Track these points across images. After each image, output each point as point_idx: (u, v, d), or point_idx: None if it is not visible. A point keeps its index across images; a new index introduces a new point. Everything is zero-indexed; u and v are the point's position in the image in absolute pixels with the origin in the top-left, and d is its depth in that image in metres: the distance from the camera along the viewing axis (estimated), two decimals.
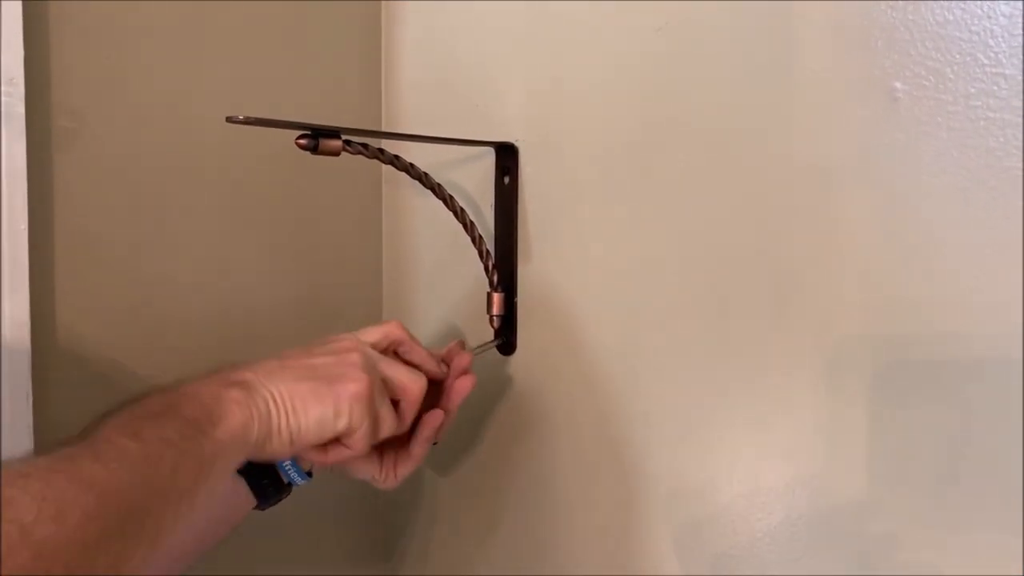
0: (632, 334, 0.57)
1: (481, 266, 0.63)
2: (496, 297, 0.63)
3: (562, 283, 0.61)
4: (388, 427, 0.50)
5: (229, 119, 0.47)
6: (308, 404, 0.46)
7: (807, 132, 0.48)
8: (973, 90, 0.41)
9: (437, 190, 0.60)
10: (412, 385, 0.52)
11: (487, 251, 0.63)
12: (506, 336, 0.64)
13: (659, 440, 0.56)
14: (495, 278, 0.63)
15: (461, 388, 0.57)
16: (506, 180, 0.64)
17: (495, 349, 0.65)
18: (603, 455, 0.60)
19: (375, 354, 0.51)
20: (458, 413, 0.69)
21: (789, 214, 0.49)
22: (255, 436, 0.43)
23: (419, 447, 0.55)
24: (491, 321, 0.64)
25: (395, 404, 0.51)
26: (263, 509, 0.55)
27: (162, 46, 0.61)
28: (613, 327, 0.58)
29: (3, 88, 0.51)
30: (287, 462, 0.54)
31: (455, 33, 0.68)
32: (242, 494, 0.54)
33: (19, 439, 0.51)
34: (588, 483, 0.61)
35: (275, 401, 0.45)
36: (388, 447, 0.56)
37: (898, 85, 0.44)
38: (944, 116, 0.42)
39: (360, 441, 0.48)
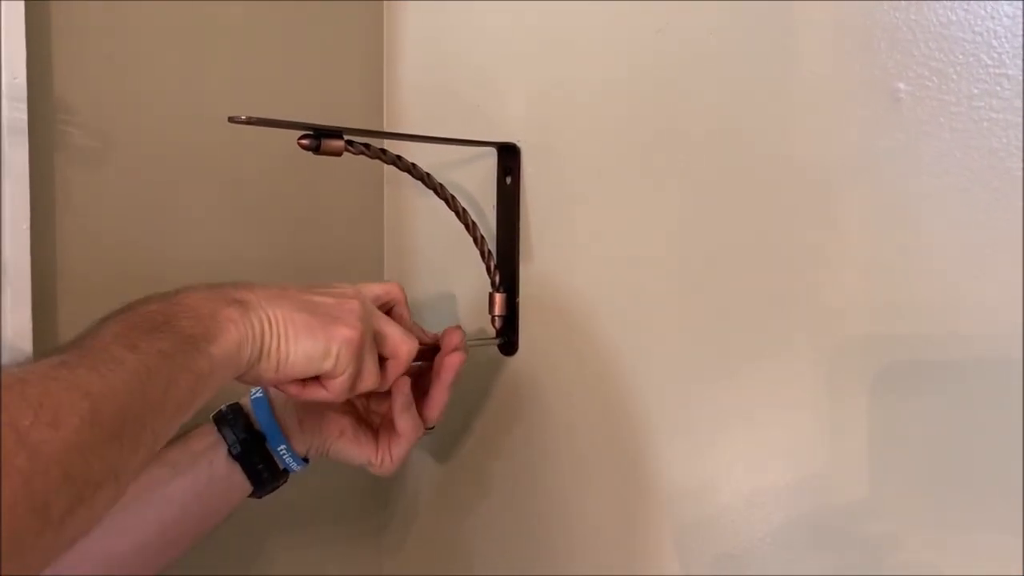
0: (633, 334, 0.57)
1: (483, 266, 0.63)
2: (498, 297, 0.63)
3: (564, 283, 0.61)
4: (371, 381, 0.50)
5: (231, 119, 0.47)
6: (300, 335, 0.46)
7: (808, 133, 0.47)
8: (976, 91, 0.41)
9: (439, 190, 0.60)
10: (403, 345, 0.52)
11: (489, 251, 0.63)
12: (508, 336, 0.64)
13: (660, 440, 0.56)
14: (497, 278, 0.63)
15: (451, 363, 0.56)
16: (508, 180, 0.64)
17: (496, 348, 0.65)
18: (605, 455, 0.59)
19: (373, 308, 0.51)
20: (459, 414, 0.69)
21: (791, 215, 0.49)
22: (247, 356, 0.44)
23: (401, 420, 0.55)
24: (493, 321, 0.64)
25: (382, 363, 0.51)
26: (259, 496, 0.56)
27: (164, 46, 0.61)
28: (615, 327, 0.58)
29: (5, 87, 0.51)
30: (282, 446, 0.55)
31: (457, 33, 0.68)
32: (238, 481, 0.55)
33: None
34: (590, 483, 0.61)
35: (270, 324, 0.45)
36: (383, 431, 0.57)
37: (901, 86, 0.43)
38: (947, 117, 0.42)
39: (339, 386, 0.48)
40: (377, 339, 0.50)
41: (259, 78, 0.66)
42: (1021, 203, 0.40)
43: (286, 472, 0.56)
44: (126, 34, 0.59)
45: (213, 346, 0.41)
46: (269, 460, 0.55)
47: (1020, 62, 0.40)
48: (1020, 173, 0.40)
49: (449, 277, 0.70)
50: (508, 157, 0.63)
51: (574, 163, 0.60)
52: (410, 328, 0.55)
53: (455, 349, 0.57)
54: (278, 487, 0.57)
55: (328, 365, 0.47)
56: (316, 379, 0.48)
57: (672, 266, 0.55)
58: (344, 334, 0.47)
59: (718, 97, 0.52)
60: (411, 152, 0.63)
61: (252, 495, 0.56)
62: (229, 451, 0.54)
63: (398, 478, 0.76)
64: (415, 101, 0.73)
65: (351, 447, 0.57)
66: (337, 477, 0.73)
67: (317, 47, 0.70)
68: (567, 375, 0.62)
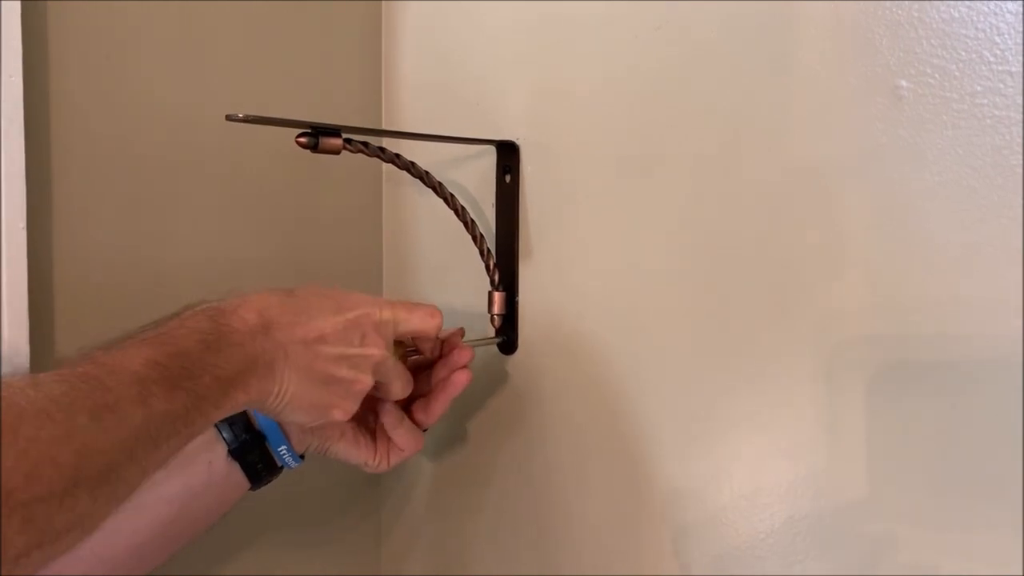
0: (633, 333, 0.57)
1: (482, 265, 0.63)
2: (497, 296, 0.63)
3: (563, 282, 0.61)
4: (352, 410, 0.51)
5: (229, 117, 0.47)
6: (300, 412, 0.47)
7: (809, 131, 0.47)
8: (979, 88, 0.41)
9: (438, 189, 0.60)
10: (399, 393, 0.54)
11: (488, 250, 0.62)
12: (507, 335, 0.64)
13: (660, 440, 0.56)
14: (496, 277, 0.63)
15: (458, 382, 0.57)
16: (507, 179, 0.63)
17: (496, 347, 0.65)
18: (604, 455, 0.59)
19: (392, 366, 0.52)
20: (458, 413, 0.69)
21: (791, 213, 0.48)
22: (246, 405, 0.44)
23: (396, 434, 0.57)
24: (492, 320, 0.64)
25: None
26: (255, 490, 0.56)
27: (161, 45, 0.60)
28: (614, 326, 0.58)
29: (2, 85, 0.50)
30: (283, 447, 0.55)
31: (456, 31, 0.68)
32: (236, 479, 0.55)
33: None
34: (589, 482, 0.60)
35: (279, 395, 0.46)
36: (380, 433, 0.58)
37: (903, 83, 0.43)
38: (949, 114, 0.42)
39: (344, 419, 0.50)
40: (378, 381, 0.52)
41: (257, 76, 0.65)
42: (1023, 201, 0.40)
43: (282, 468, 0.56)
44: (123, 33, 0.58)
45: (219, 410, 0.41)
46: (268, 459, 0.55)
47: (1023, 59, 0.40)
48: (1022, 170, 0.40)
49: (448, 276, 0.70)
50: (507, 155, 0.63)
51: (574, 161, 0.60)
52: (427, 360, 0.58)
53: (463, 367, 0.57)
54: (272, 480, 0.57)
55: (336, 416, 0.49)
56: None
57: (672, 264, 0.54)
58: (334, 419, 0.49)
59: (718, 95, 0.51)
60: (410, 150, 0.62)
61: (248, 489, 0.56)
62: (229, 451, 0.54)
63: (397, 478, 0.76)
64: (414, 99, 0.72)
65: (350, 449, 0.57)
66: (336, 477, 0.73)
67: (315, 45, 0.69)
68: (566, 374, 0.61)
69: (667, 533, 0.56)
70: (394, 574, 0.76)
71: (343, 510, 0.75)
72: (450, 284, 0.70)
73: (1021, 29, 0.40)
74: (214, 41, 0.63)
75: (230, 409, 0.42)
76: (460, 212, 0.61)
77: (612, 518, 0.59)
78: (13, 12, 0.51)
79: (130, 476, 0.36)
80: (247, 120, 0.47)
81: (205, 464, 0.54)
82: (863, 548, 0.47)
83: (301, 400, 0.46)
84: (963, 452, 0.43)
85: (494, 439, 0.67)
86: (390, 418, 0.56)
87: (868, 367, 0.46)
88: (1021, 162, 0.40)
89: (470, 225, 0.61)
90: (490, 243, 0.63)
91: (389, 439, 0.58)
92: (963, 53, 0.41)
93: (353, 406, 0.50)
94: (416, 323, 0.53)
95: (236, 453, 0.54)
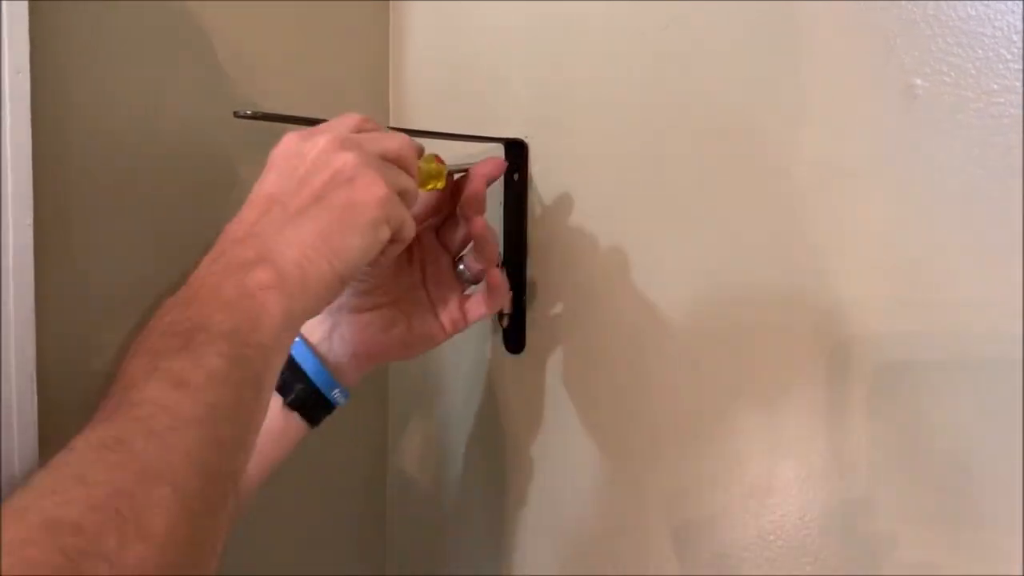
0: (641, 333, 0.57)
1: None
2: None
3: (571, 282, 0.61)
4: (412, 194, 0.44)
5: (237, 114, 0.47)
6: (343, 238, 0.39)
7: (821, 130, 0.47)
8: (996, 87, 0.40)
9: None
10: (403, 150, 0.45)
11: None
12: (515, 335, 0.64)
13: (666, 439, 0.56)
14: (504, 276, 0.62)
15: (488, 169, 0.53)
16: (515, 177, 0.63)
17: (503, 347, 0.65)
18: (610, 454, 0.59)
19: (353, 137, 0.44)
20: (464, 412, 0.69)
21: (801, 214, 0.48)
22: (299, 312, 0.37)
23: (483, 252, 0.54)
24: (500, 320, 0.63)
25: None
26: (313, 428, 0.53)
27: (170, 42, 0.60)
28: (622, 326, 0.58)
29: (8, 82, 0.50)
30: (336, 390, 0.52)
31: (463, 28, 0.68)
32: (293, 427, 0.51)
33: (24, 432, 0.51)
34: (595, 482, 0.60)
35: (308, 256, 0.38)
36: (438, 301, 0.54)
37: (918, 82, 0.43)
38: (965, 113, 0.41)
39: (407, 228, 0.43)
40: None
41: (264, 73, 0.65)
42: None
43: (335, 406, 0.53)
44: (132, 30, 0.58)
45: (261, 333, 0.35)
46: (325, 403, 0.52)
47: None
48: None
49: None
50: (516, 153, 0.63)
51: (583, 159, 0.59)
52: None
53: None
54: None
55: (385, 234, 0.41)
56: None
57: (682, 264, 0.54)
58: (375, 197, 0.40)
59: (729, 94, 0.51)
60: None
61: None
62: (285, 403, 0.51)
63: (401, 477, 0.75)
64: (421, 96, 0.72)
65: (417, 347, 0.55)
66: (340, 477, 0.73)
67: (322, 42, 0.69)
68: (574, 374, 0.61)
69: (668, 532, 0.56)
70: (397, 574, 0.76)
71: (347, 510, 0.75)
72: None
73: None
74: (222, 37, 0.63)
75: (274, 321, 0.36)
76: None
77: (615, 515, 0.59)
78: (20, 7, 0.51)
79: (233, 464, 0.32)
80: (255, 117, 0.46)
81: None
82: (862, 547, 0.47)
83: (333, 234, 0.39)
84: (963, 451, 0.43)
85: (500, 439, 0.67)
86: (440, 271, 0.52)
87: (872, 366, 0.46)
88: None
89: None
90: (497, 241, 0.63)
91: (447, 302, 0.54)
92: (980, 51, 0.41)
93: (367, 174, 0.41)
94: (386, 141, 0.45)
95: (294, 403, 0.51)
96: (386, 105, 0.74)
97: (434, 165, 0.52)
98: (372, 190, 0.41)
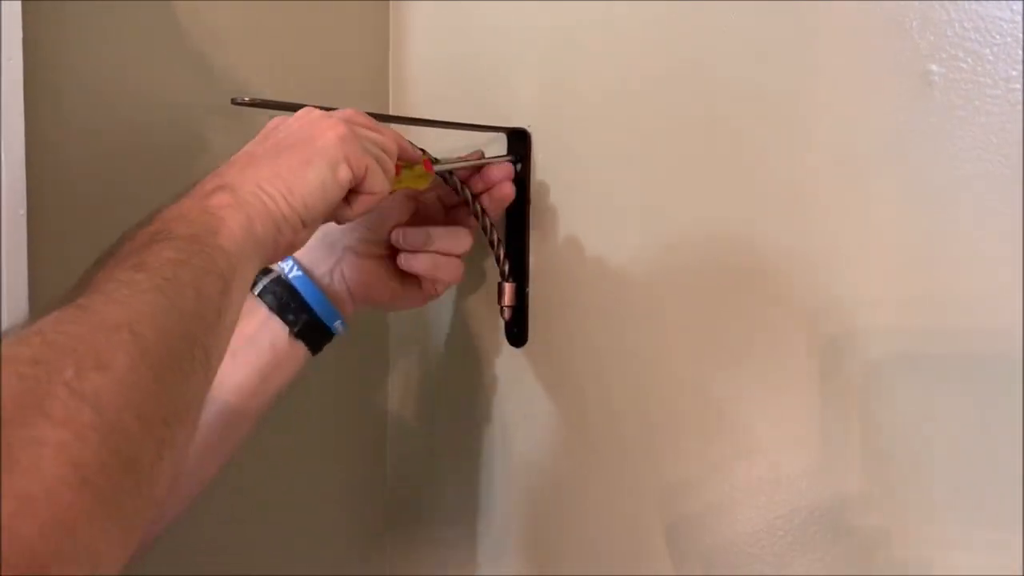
0: (644, 325, 0.56)
1: (492, 255, 0.62)
2: (507, 287, 0.62)
3: (574, 273, 0.60)
4: (384, 160, 0.46)
5: (235, 101, 0.46)
6: (299, 172, 0.41)
7: (834, 118, 0.46)
8: (1014, 72, 0.40)
9: (448, 177, 0.59)
10: (388, 143, 0.47)
11: (498, 239, 0.61)
12: (517, 327, 0.63)
13: (663, 433, 0.55)
14: (506, 268, 0.62)
15: (501, 195, 0.58)
16: (518, 167, 0.62)
17: (506, 339, 0.64)
18: (612, 448, 0.59)
19: (342, 113, 0.46)
20: (466, 405, 0.68)
21: (813, 204, 0.47)
22: (261, 233, 0.39)
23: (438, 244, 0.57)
24: (502, 312, 0.62)
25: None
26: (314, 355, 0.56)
27: (167, 29, 0.59)
28: (624, 318, 0.57)
29: (1, 65, 0.49)
30: (337, 321, 0.55)
31: (465, 16, 0.67)
32: (299, 354, 0.54)
33: None
34: (596, 476, 0.60)
35: (264, 189, 0.40)
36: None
37: (933, 68, 0.42)
38: (982, 100, 0.40)
39: (376, 180, 0.44)
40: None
41: (262, 60, 0.64)
42: None
43: (335, 335, 0.56)
44: (128, 13, 0.57)
45: (221, 238, 0.36)
46: (326, 331, 0.55)
47: None
48: None
49: None
50: (518, 143, 0.62)
51: (586, 149, 0.59)
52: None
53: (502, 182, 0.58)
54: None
55: (344, 173, 0.42)
56: (352, 193, 0.44)
57: (685, 256, 0.54)
58: (332, 135, 0.42)
59: (737, 81, 0.50)
60: (418, 137, 0.61)
61: None
62: (292, 332, 0.53)
63: (403, 472, 0.75)
64: (421, 86, 0.71)
65: (402, 303, 0.59)
66: (339, 473, 0.72)
67: (322, 28, 0.68)
68: (576, 366, 0.61)
69: (661, 528, 0.55)
70: (398, 573, 0.76)
71: (347, 507, 0.74)
72: None
73: None
74: (219, 24, 0.62)
75: (233, 233, 0.37)
76: (470, 201, 0.59)
77: (617, 511, 0.58)
78: None
79: (195, 333, 0.33)
80: (253, 104, 0.46)
81: (268, 347, 0.52)
82: (861, 546, 0.46)
83: (288, 167, 0.41)
84: (963, 449, 0.42)
85: (501, 432, 0.66)
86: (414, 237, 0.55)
87: (874, 361, 0.45)
88: None
89: (481, 215, 0.60)
90: (500, 232, 0.62)
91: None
92: (997, 36, 0.40)
93: (331, 122, 0.43)
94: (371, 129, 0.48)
95: (301, 332, 0.53)
96: (386, 92, 0.73)
97: (419, 168, 0.53)
98: (332, 130, 0.42)
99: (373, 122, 0.49)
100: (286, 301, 0.53)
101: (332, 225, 0.49)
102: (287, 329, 0.53)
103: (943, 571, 0.43)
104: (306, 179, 0.41)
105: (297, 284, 0.54)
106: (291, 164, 0.41)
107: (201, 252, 0.35)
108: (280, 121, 0.45)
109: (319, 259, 0.55)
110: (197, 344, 0.32)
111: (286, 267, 0.55)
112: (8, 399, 0.25)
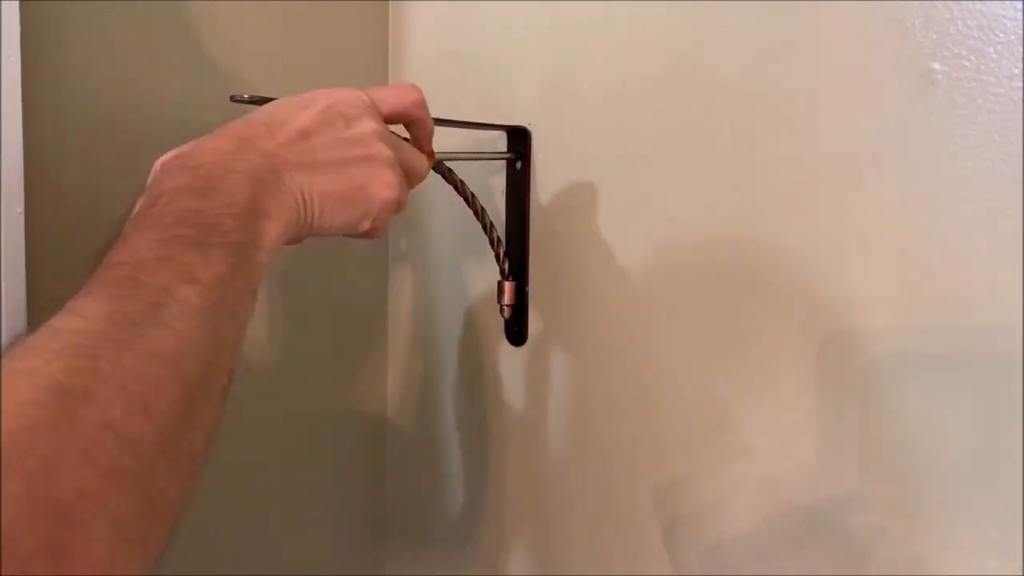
0: (643, 324, 0.56)
1: (492, 254, 0.61)
2: (507, 286, 0.62)
3: (574, 271, 0.60)
4: (403, 207, 0.47)
5: (233, 98, 0.46)
6: (339, 209, 0.42)
7: (836, 116, 0.46)
8: (1017, 71, 0.39)
9: (448, 175, 0.58)
10: (420, 170, 0.48)
11: (498, 238, 0.61)
12: (517, 326, 0.63)
13: (661, 431, 0.55)
14: (506, 266, 0.61)
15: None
16: (518, 165, 0.62)
17: (505, 338, 0.64)
18: (612, 446, 0.58)
19: (397, 141, 0.46)
20: (466, 403, 0.68)
21: (814, 203, 0.47)
22: (285, 239, 0.39)
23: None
24: (502, 311, 0.62)
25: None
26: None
27: (166, 28, 0.59)
28: (624, 317, 0.57)
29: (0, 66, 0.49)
30: None
31: (465, 15, 0.67)
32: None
33: None
34: (596, 474, 0.59)
35: (304, 202, 0.40)
36: None
37: (936, 66, 0.42)
38: (985, 99, 0.40)
39: (379, 233, 0.45)
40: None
41: (262, 58, 0.64)
42: None
43: None
44: (127, 11, 0.57)
45: (261, 252, 0.36)
46: None
47: None
48: None
49: (457, 264, 0.69)
50: (518, 141, 0.62)
51: (587, 147, 0.58)
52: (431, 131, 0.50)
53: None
54: None
55: (366, 226, 0.43)
56: None
57: (686, 256, 0.53)
58: (385, 198, 0.43)
59: (738, 80, 0.50)
60: None
61: None
62: None
63: (403, 472, 0.75)
64: (421, 82, 0.70)
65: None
66: (338, 473, 0.72)
67: (321, 27, 0.68)
68: (576, 365, 0.60)
69: (658, 527, 0.55)
70: (398, 574, 0.75)
71: (346, 507, 0.74)
72: (459, 272, 0.69)
73: None
74: (218, 23, 0.62)
75: (271, 246, 0.37)
76: (470, 200, 0.59)
77: (613, 512, 0.58)
78: None
79: (226, 361, 0.33)
80: (252, 101, 0.45)
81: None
82: (859, 545, 0.46)
83: (332, 194, 0.41)
84: (962, 448, 0.42)
85: (501, 431, 0.66)
86: None
87: (885, 359, 0.45)
88: None
89: (480, 213, 0.60)
90: (500, 231, 0.62)
91: None
92: (1000, 35, 0.40)
93: (392, 178, 0.43)
94: (393, 99, 0.47)
95: None
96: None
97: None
98: (385, 190, 0.43)
99: (424, 124, 0.48)
100: None
101: None
102: None
103: (943, 571, 0.43)
104: (337, 215, 0.41)
105: None
106: (337, 191, 0.41)
107: (244, 267, 0.35)
108: (337, 102, 0.43)
109: None
110: (225, 370, 0.33)
111: None
112: (56, 439, 0.25)
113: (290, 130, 0.41)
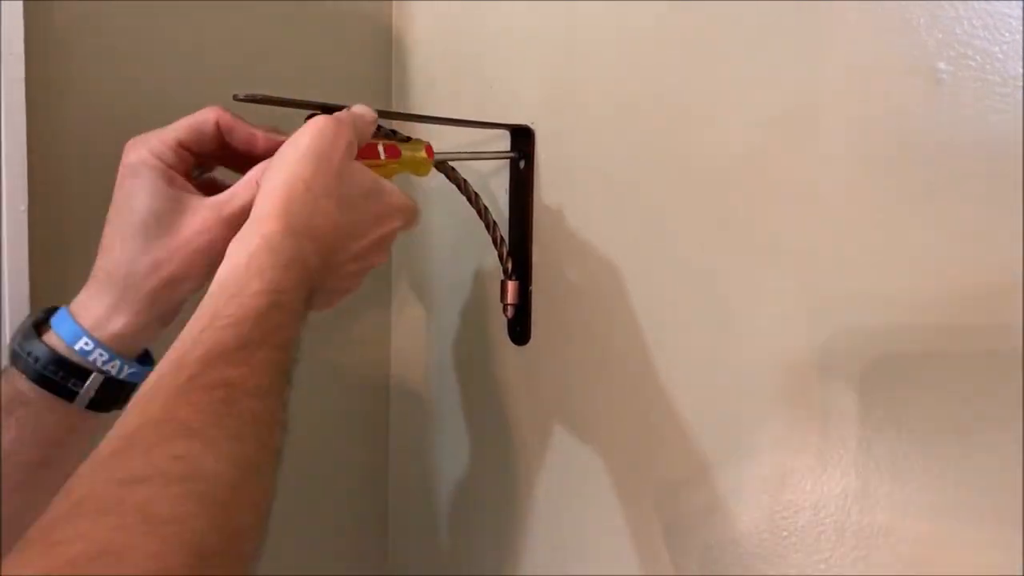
0: (646, 324, 0.56)
1: (495, 253, 0.61)
2: (511, 285, 0.61)
3: (577, 271, 0.60)
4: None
5: (236, 97, 0.46)
6: (333, 302, 0.46)
7: (841, 116, 0.45)
8: (1022, 70, 0.39)
9: (451, 174, 0.58)
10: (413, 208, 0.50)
11: (501, 237, 0.61)
12: (520, 325, 0.63)
13: (670, 432, 0.55)
14: (509, 265, 0.61)
15: None
16: (521, 164, 0.62)
17: (508, 337, 0.63)
18: (614, 446, 0.58)
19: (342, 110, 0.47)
20: (469, 403, 0.68)
21: (817, 203, 0.47)
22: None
23: None
24: (505, 310, 0.62)
25: None
26: (97, 409, 0.43)
27: (167, 24, 0.59)
28: (628, 317, 0.57)
29: (3, 64, 0.49)
30: (82, 339, 0.43)
31: (469, 13, 0.66)
32: (50, 406, 0.42)
33: None
34: (598, 474, 0.59)
35: (321, 300, 0.43)
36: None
37: (941, 66, 0.41)
38: (992, 99, 0.40)
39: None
40: None
41: (265, 57, 0.64)
42: None
43: (106, 370, 0.43)
44: (131, 14, 0.57)
45: (293, 347, 0.38)
46: (73, 366, 0.42)
47: None
48: None
49: (460, 263, 0.69)
50: (522, 140, 0.61)
51: (590, 146, 0.58)
52: None
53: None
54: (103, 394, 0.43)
55: (336, 302, 0.47)
56: None
57: (689, 254, 0.53)
58: (358, 285, 0.47)
59: (742, 79, 0.50)
60: (421, 133, 0.61)
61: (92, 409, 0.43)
62: (28, 378, 0.42)
63: (404, 471, 0.75)
64: (424, 80, 0.71)
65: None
66: (340, 474, 0.72)
67: (324, 25, 0.68)
68: (579, 365, 0.60)
69: (660, 525, 0.55)
70: (398, 574, 0.75)
71: (347, 507, 0.74)
72: (462, 272, 0.69)
73: None
74: (221, 19, 0.62)
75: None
76: (474, 199, 0.59)
77: (615, 511, 0.58)
78: None
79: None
80: (254, 100, 0.45)
81: (12, 418, 0.41)
82: (858, 544, 0.46)
83: (337, 297, 0.46)
84: (962, 447, 0.42)
85: (504, 431, 0.66)
86: None
87: (886, 358, 0.45)
88: None
89: (483, 212, 0.60)
90: (503, 230, 0.61)
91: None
92: (1007, 34, 0.39)
93: (386, 256, 0.49)
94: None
95: (35, 377, 0.42)
96: (388, 89, 0.72)
97: (421, 155, 0.53)
98: (360, 278, 0.47)
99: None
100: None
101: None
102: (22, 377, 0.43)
103: (943, 571, 0.43)
104: (331, 301, 0.46)
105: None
106: (340, 295, 0.46)
107: (285, 367, 0.37)
108: (392, 232, 0.48)
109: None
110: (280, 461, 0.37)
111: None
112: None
113: (342, 262, 0.44)
